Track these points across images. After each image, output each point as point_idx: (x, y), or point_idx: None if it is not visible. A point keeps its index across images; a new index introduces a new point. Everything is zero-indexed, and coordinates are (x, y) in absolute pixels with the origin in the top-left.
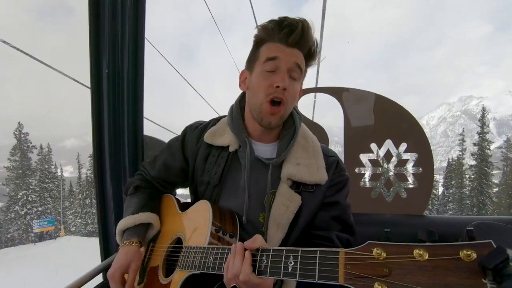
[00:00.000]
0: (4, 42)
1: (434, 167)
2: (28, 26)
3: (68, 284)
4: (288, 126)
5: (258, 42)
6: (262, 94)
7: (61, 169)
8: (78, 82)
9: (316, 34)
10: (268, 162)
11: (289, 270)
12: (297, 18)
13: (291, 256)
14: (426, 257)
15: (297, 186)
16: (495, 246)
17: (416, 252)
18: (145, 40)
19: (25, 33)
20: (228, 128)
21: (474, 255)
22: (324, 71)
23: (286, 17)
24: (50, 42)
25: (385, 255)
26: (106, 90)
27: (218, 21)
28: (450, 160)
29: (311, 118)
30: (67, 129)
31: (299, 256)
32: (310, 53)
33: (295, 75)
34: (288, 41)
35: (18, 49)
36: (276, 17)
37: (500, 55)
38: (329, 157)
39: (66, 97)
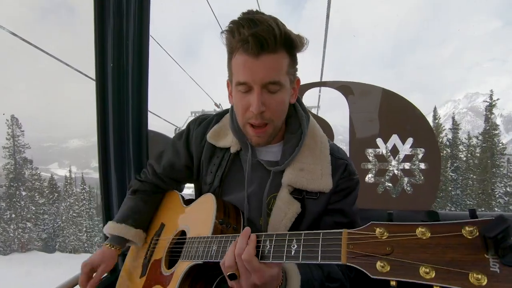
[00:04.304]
0: (14, 34)
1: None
2: (32, 23)
3: (70, 278)
4: (294, 129)
5: (228, 52)
6: (241, 117)
7: None
8: (84, 74)
9: (289, 27)
10: (270, 168)
11: (292, 253)
12: (250, 23)
13: (294, 240)
14: (429, 235)
15: (299, 192)
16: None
17: (418, 230)
18: (150, 37)
19: (30, 31)
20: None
21: (476, 232)
22: (328, 69)
23: (239, 23)
24: (54, 40)
25: (387, 234)
26: (110, 84)
27: (221, 17)
28: None
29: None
30: (71, 129)
31: (302, 239)
32: (288, 46)
33: (273, 88)
34: (251, 53)
35: (28, 42)
36: (249, 15)
37: (508, 51)
38: (338, 160)
39: (70, 97)
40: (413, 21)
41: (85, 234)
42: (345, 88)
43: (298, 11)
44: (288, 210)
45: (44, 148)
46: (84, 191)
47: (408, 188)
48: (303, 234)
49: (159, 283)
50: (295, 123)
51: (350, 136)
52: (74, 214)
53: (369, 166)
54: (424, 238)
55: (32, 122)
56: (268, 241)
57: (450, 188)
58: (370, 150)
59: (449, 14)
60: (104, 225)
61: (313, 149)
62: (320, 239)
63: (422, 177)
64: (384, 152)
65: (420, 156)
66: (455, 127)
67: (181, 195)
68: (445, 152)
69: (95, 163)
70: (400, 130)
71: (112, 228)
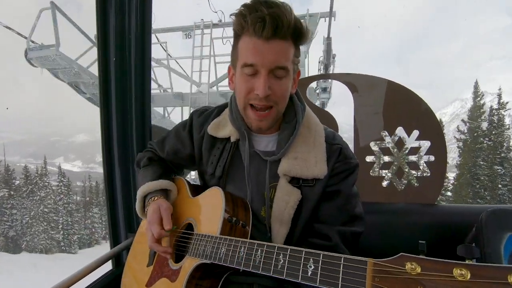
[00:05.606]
0: (20, 34)
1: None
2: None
3: (76, 271)
4: (290, 118)
5: (235, 35)
6: (243, 99)
7: None
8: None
9: (295, 12)
10: (266, 158)
11: (309, 274)
12: (266, 4)
13: (311, 259)
14: (468, 277)
15: (297, 180)
16: None
17: (456, 270)
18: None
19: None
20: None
21: None
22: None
23: (255, 4)
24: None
25: (419, 270)
26: (113, 79)
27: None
28: None
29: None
30: (77, 124)
31: (320, 261)
32: (296, 35)
33: (280, 73)
34: (263, 36)
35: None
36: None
37: None
38: (333, 145)
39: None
40: (420, 17)
41: (62, 232)
42: (350, 80)
43: (305, 7)
44: (289, 199)
45: (51, 143)
46: (62, 184)
47: (414, 181)
48: (321, 255)
49: (166, 276)
50: (291, 113)
51: (355, 128)
52: (46, 210)
53: (374, 159)
54: (462, 280)
55: (39, 117)
56: (281, 255)
57: (500, 185)
58: (375, 143)
59: (458, 10)
60: (109, 219)
61: (307, 138)
62: (342, 264)
63: (428, 170)
64: (390, 145)
65: (426, 149)
66: (502, 107)
67: (187, 182)
68: (486, 140)
69: (100, 157)
70: (405, 123)
71: (150, 186)
